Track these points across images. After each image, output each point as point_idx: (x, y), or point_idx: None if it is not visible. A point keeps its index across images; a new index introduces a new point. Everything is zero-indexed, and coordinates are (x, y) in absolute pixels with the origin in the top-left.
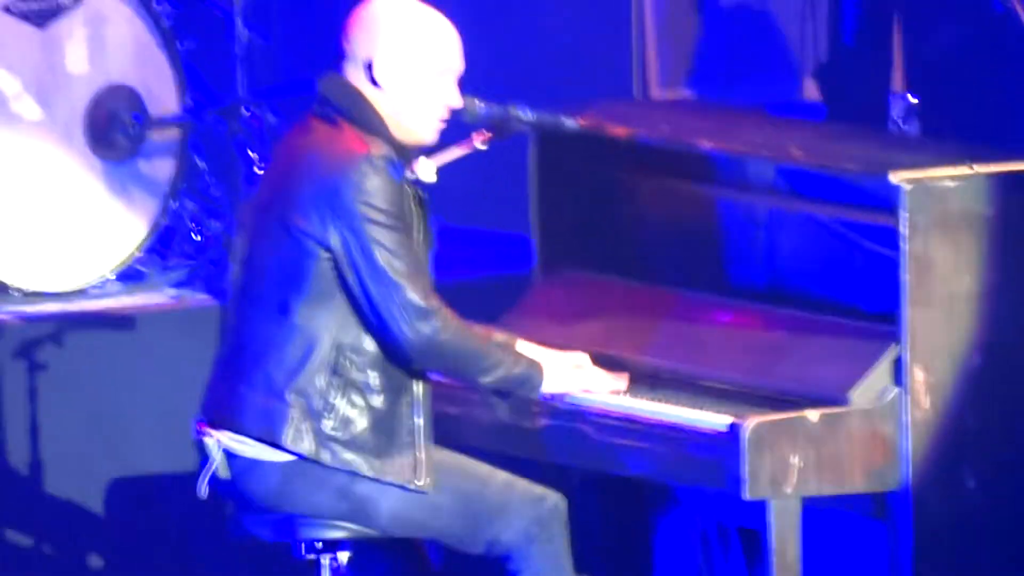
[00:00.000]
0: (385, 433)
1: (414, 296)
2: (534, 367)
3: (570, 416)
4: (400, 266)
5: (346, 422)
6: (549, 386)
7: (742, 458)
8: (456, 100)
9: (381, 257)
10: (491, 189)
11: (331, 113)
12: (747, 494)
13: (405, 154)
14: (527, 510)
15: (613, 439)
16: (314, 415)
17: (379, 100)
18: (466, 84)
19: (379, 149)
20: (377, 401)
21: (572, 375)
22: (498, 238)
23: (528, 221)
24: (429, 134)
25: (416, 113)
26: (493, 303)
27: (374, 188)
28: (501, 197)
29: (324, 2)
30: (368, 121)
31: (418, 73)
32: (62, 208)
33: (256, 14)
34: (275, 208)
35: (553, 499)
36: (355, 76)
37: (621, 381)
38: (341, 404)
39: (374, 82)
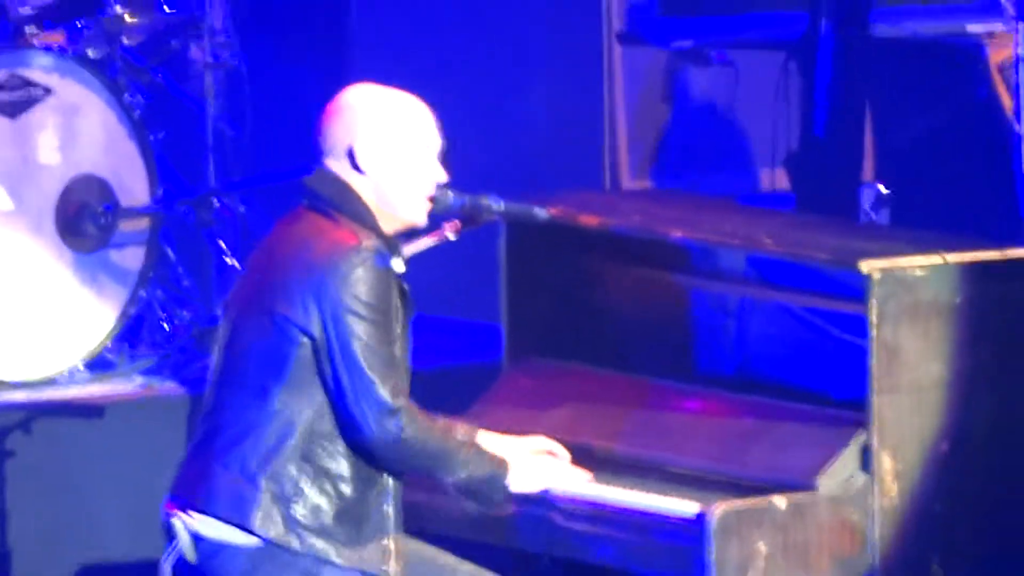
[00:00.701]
0: (354, 521)
1: (383, 393)
2: (500, 466)
3: (537, 503)
4: (374, 361)
5: (315, 510)
6: (515, 485)
7: (709, 546)
8: (441, 175)
9: (357, 350)
10: (461, 278)
11: (321, 205)
12: None
13: (393, 246)
14: None
15: (580, 526)
16: (284, 500)
17: (366, 187)
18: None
19: (369, 241)
20: (347, 490)
21: (537, 473)
22: (468, 327)
23: (498, 310)
24: (419, 215)
25: (403, 194)
26: (463, 392)
27: (361, 280)
28: (471, 286)
29: (295, 94)
30: (357, 212)
31: (399, 152)
32: (32, 297)
33: (227, 105)
34: (261, 295)
35: None
36: (338, 167)
37: (584, 476)
38: (311, 491)
39: (357, 168)
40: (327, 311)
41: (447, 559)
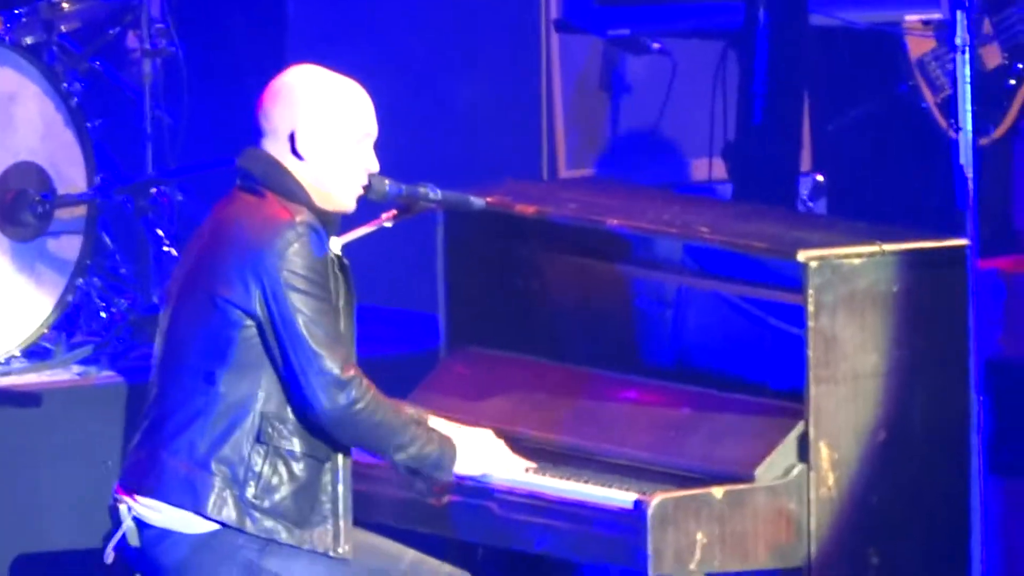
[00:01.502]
0: (307, 501)
1: (331, 365)
2: (447, 446)
3: (476, 493)
4: (319, 335)
5: (268, 489)
6: (461, 467)
7: (647, 535)
8: (374, 164)
9: (300, 325)
10: (399, 267)
11: (254, 185)
12: (651, 571)
13: (329, 223)
14: None
15: (519, 516)
16: (237, 483)
17: (301, 171)
18: (374, 160)
19: (302, 216)
20: (299, 468)
21: (483, 456)
22: (406, 316)
23: (436, 299)
24: (350, 201)
25: (338, 180)
26: (401, 381)
27: (297, 255)
28: (409, 275)
29: (233, 81)
30: (290, 190)
31: (340, 141)
32: None
33: (165, 93)
34: (200, 279)
35: None
36: (276, 149)
37: (526, 464)
38: (265, 471)
39: (296, 154)
40: (267, 289)
41: (391, 546)
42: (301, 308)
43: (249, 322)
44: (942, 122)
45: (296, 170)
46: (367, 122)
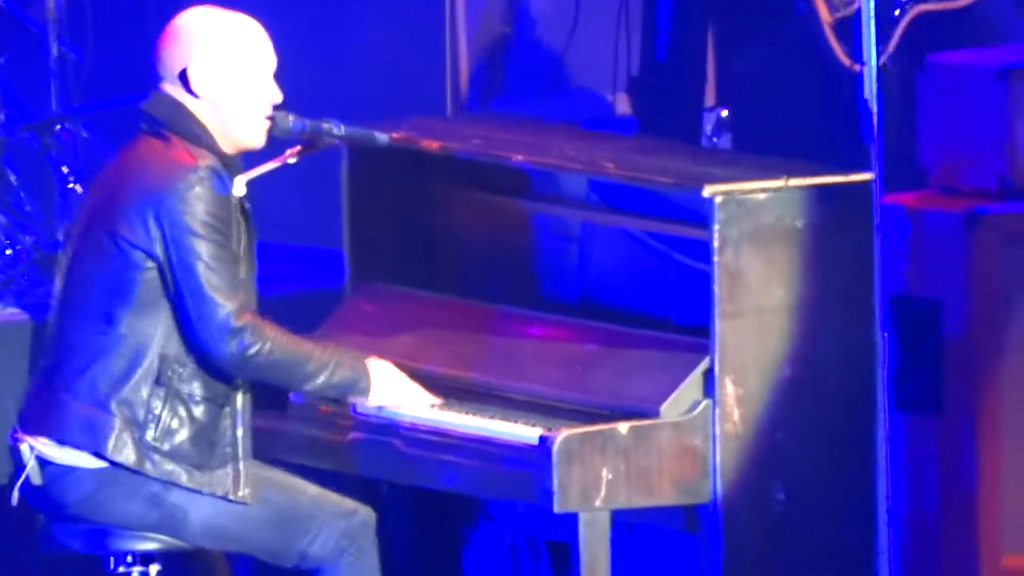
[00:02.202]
0: (206, 444)
1: (225, 312)
2: (359, 370)
3: (380, 429)
4: (216, 281)
5: (168, 432)
6: (376, 391)
7: (552, 471)
8: (277, 95)
9: (199, 270)
10: (303, 203)
11: (158, 128)
12: (557, 507)
13: (232, 166)
14: (338, 523)
15: (424, 452)
16: (137, 425)
17: (201, 110)
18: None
19: (205, 161)
20: (199, 412)
21: (397, 386)
22: (310, 252)
23: (340, 235)
24: (257, 137)
25: (239, 116)
26: (305, 317)
27: (198, 199)
28: (313, 211)
29: (137, 18)
30: (194, 134)
31: (233, 75)
32: None
33: (69, 30)
34: (102, 220)
35: (363, 513)
36: (173, 91)
37: (433, 399)
38: (165, 414)
39: (191, 92)
40: (167, 232)
41: (293, 481)
42: (200, 253)
43: (150, 264)
44: (836, 48)
45: (198, 111)
46: (261, 52)
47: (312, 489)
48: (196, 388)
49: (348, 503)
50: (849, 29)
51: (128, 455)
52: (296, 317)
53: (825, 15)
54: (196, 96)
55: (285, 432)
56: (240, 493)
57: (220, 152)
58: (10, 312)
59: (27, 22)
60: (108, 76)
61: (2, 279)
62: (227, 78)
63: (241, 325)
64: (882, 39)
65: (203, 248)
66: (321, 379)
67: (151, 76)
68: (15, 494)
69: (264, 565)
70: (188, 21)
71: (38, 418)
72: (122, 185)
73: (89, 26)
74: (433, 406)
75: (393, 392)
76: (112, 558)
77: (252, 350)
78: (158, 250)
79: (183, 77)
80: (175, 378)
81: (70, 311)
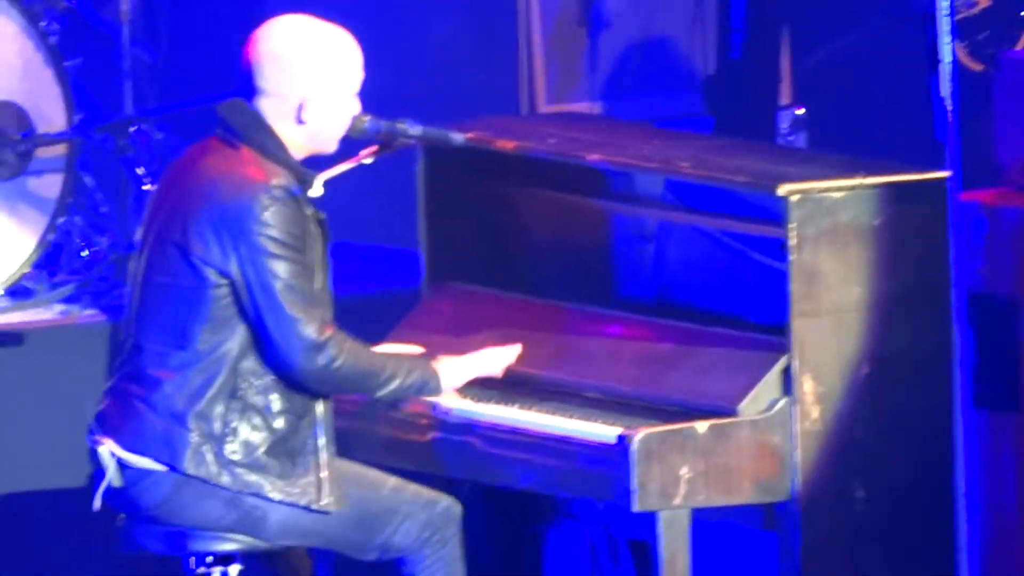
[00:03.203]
0: (288, 454)
1: (308, 329)
2: (427, 370)
3: (459, 429)
4: (296, 299)
5: (247, 445)
6: (448, 381)
7: (631, 470)
8: (358, 108)
9: (277, 290)
10: (379, 204)
11: (231, 137)
12: (636, 506)
13: (305, 177)
14: (419, 514)
15: (503, 452)
16: (215, 439)
17: (292, 132)
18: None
19: (278, 178)
20: (278, 423)
21: (466, 364)
22: (386, 252)
23: (416, 235)
24: (333, 146)
25: (329, 134)
26: (381, 318)
27: (273, 219)
28: (389, 212)
29: (211, 20)
30: (266, 146)
31: (342, 102)
32: None
33: (143, 31)
34: (173, 231)
35: (446, 502)
36: (271, 110)
37: (512, 351)
38: (242, 428)
39: (300, 121)
40: (243, 254)
41: (372, 473)
42: (278, 273)
43: (223, 281)
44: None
45: (285, 131)
46: (359, 73)
47: (392, 480)
48: (274, 400)
49: (429, 493)
50: (972, 29)
51: (206, 469)
52: (372, 317)
53: None
54: (303, 123)
55: (365, 432)
56: (324, 502)
57: (292, 162)
58: (87, 314)
59: (101, 24)
60: (182, 77)
61: (79, 281)
62: (337, 105)
63: (323, 340)
64: (1009, 38)
65: (280, 268)
66: (395, 384)
67: (241, 83)
68: (97, 499)
69: (346, 560)
70: (299, 45)
71: (116, 425)
72: (193, 197)
73: (163, 28)
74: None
75: (465, 375)
76: (192, 558)
77: (335, 364)
78: (233, 269)
79: (299, 108)
80: (251, 391)
81: (145, 321)
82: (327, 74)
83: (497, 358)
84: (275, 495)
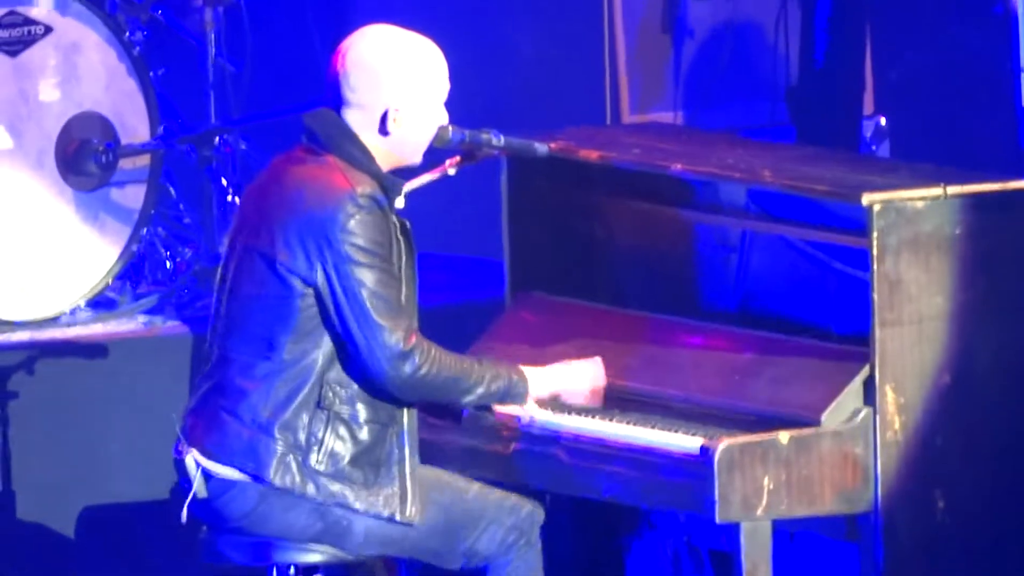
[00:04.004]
0: (372, 465)
1: (395, 338)
2: (514, 375)
3: (542, 440)
4: (382, 307)
5: (333, 455)
6: (534, 390)
7: (713, 481)
8: (445, 118)
9: (364, 298)
10: (463, 214)
11: (317, 147)
12: (719, 517)
13: (392, 185)
14: (504, 519)
15: (586, 463)
16: (300, 449)
17: (378, 142)
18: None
19: (364, 186)
20: (363, 433)
21: (553, 374)
22: (470, 263)
23: (500, 246)
24: (419, 157)
25: (415, 145)
26: (466, 328)
27: (359, 227)
28: (473, 222)
29: (295, 28)
30: (355, 157)
31: (429, 113)
32: (33, 236)
33: (228, 42)
34: (259, 241)
35: (529, 507)
36: (358, 120)
37: (596, 365)
38: (328, 438)
39: (385, 131)
40: (329, 262)
41: (455, 480)
42: (364, 281)
43: (309, 290)
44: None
45: (371, 141)
46: (446, 83)
47: (475, 486)
48: (360, 410)
49: (513, 497)
50: None
51: (292, 479)
52: (457, 328)
53: None
54: (388, 134)
55: (448, 443)
56: (408, 513)
57: (378, 172)
58: (171, 325)
59: (185, 34)
60: (266, 88)
61: (163, 292)
62: (423, 117)
63: (410, 348)
64: None
65: (367, 276)
66: (480, 390)
67: (327, 93)
68: (184, 511)
69: (430, 569)
70: (385, 55)
71: (201, 435)
72: (279, 206)
73: (248, 38)
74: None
75: (551, 386)
76: (275, 568)
77: (421, 372)
78: (319, 279)
79: (383, 118)
80: (337, 400)
81: (231, 331)
82: (414, 84)
83: (584, 372)
84: (359, 505)
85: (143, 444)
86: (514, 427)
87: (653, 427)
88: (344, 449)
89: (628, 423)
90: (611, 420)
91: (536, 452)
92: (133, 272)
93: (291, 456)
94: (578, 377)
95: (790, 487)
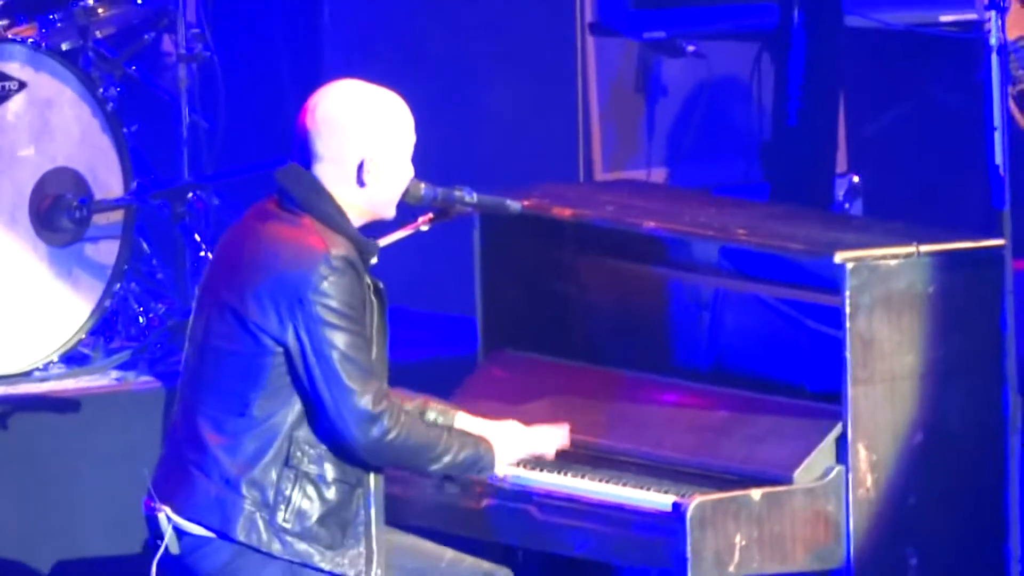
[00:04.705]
0: (339, 525)
1: (364, 401)
2: (481, 446)
3: (515, 496)
4: (353, 370)
5: (300, 514)
6: (501, 459)
7: (686, 537)
8: (411, 172)
9: (335, 360)
10: (436, 271)
11: (290, 205)
12: (691, 573)
13: (366, 247)
14: None
15: (557, 519)
16: (268, 507)
17: (351, 195)
18: (412, 166)
19: (339, 248)
20: (331, 493)
21: (519, 442)
22: (442, 320)
23: (473, 303)
24: (393, 211)
25: (388, 197)
26: (438, 385)
27: (332, 289)
28: (446, 279)
29: (268, 85)
30: (328, 215)
31: (401, 163)
32: (6, 291)
33: (201, 98)
34: (231, 297)
35: (502, 574)
36: (330, 175)
37: (562, 431)
38: (295, 496)
39: (361, 182)
40: (300, 323)
41: (429, 546)
42: (336, 343)
43: (280, 349)
44: (1017, 116)
45: (346, 196)
46: (412, 136)
47: (449, 553)
48: (328, 469)
49: (485, 565)
50: None
51: (259, 537)
52: (429, 385)
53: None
54: (364, 185)
55: (419, 498)
56: (373, 574)
57: (353, 233)
58: (143, 380)
59: (159, 90)
60: (239, 144)
61: (136, 347)
62: (397, 166)
63: (379, 411)
64: None
65: (338, 339)
66: (447, 459)
67: (297, 150)
68: (153, 568)
69: None
70: (354, 108)
71: (172, 490)
72: (252, 264)
73: (221, 94)
74: (562, 449)
75: (518, 453)
76: None
77: (390, 436)
78: (289, 339)
79: (359, 168)
80: (305, 459)
81: (202, 388)
82: (384, 134)
83: (550, 438)
84: (325, 565)
85: (115, 499)
86: (486, 483)
87: (625, 484)
88: (311, 508)
89: (600, 480)
90: (583, 477)
91: (509, 508)
92: (106, 327)
93: (258, 514)
94: (545, 443)
95: (762, 544)
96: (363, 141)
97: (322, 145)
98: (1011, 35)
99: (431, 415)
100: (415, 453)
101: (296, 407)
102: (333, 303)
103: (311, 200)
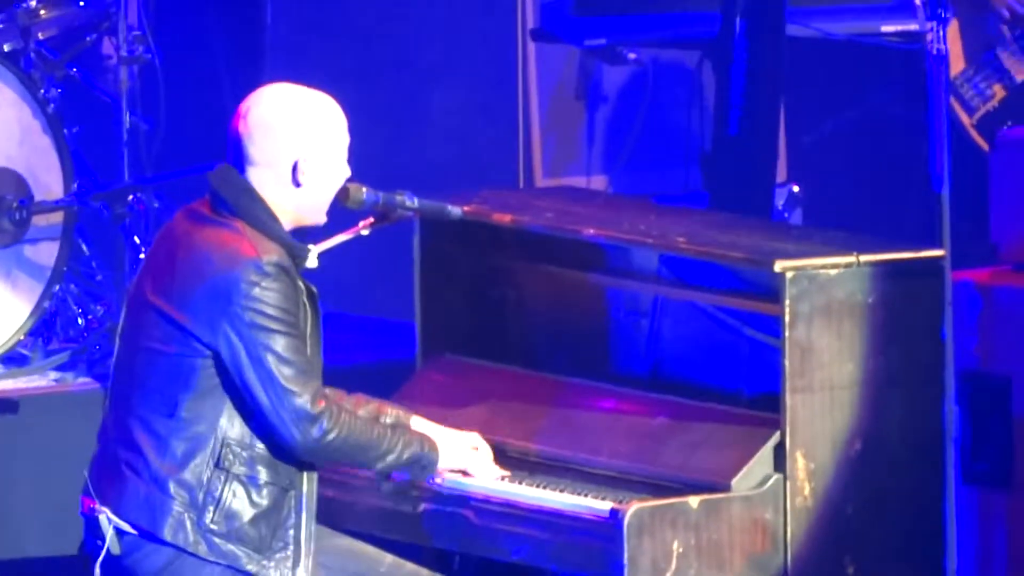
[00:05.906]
0: (268, 527)
1: (302, 402)
2: (427, 446)
3: (452, 501)
4: (289, 372)
5: (229, 516)
6: (445, 462)
7: (623, 544)
8: (348, 172)
9: (270, 363)
10: (375, 275)
11: (222, 208)
12: None
13: (298, 252)
14: None
15: (495, 524)
16: (196, 507)
17: (284, 197)
18: (352, 171)
19: (271, 254)
20: (262, 495)
21: (466, 455)
22: (381, 324)
23: (412, 307)
24: (324, 215)
25: (320, 200)
26: (376, 389)
27: (263, 294)
28: (385, 283)
29: (209, 88)
30: (259, 219)
31: (336, 163)
32: None
33: (142, 100)
34: (161, 300)
35: None
36: (264, 178)
37: (500, 473)
38: (225, 498)
39: (296, 183)
40: (233, 329)
41: (369, 550)
42: (271, 346)
43: (210, 353)
44: (980, 142)
45: (278, 199)
46: (347, 138)
47: (388, 558)
48: (260, 472)
49: (424, 572)
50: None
51: (185, 537)
52: (367, 388)
53: (964, 118)
54: (299, 185)
55: (356, 503)
56: None
57: (285, 237)
58: (82, 381)
59: (100, 92)
60: (180, 146)
61: (74, 348)
62: (331, 166)
63: (318, 412)
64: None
65: (273, 341)
66: (391, 457)
67: (231, 153)
68: (96, 570)
69: None
70: (286, 111)
71: (102, 489)
72: (184, 269)
73: (162, 97)
74: (503, 478)
75: (462, 460)
76: None
77: (330, 436)
78: (221, 346)
79: (294, 170)
80: (237, 461)
81: (133, 388)
82: (317, 136)
83: (490, 470)
84: (251, 568)
85: (53, 500)
86: (422, 487)
87: (563, 490)
88: (242, 510)
89: (538, 486)
90: (521, 483)
91: (446, 513)
92: (45, 329)
93: (186, 514)
94: (484, 469)
95: (700, 552)
96: (296, 142)
97: (255, 149)
98: (955, 69)
99: (386, 420)
100: (357, 452)
101: (226, 408)
102: (267, 308)
103: (243, 204)
